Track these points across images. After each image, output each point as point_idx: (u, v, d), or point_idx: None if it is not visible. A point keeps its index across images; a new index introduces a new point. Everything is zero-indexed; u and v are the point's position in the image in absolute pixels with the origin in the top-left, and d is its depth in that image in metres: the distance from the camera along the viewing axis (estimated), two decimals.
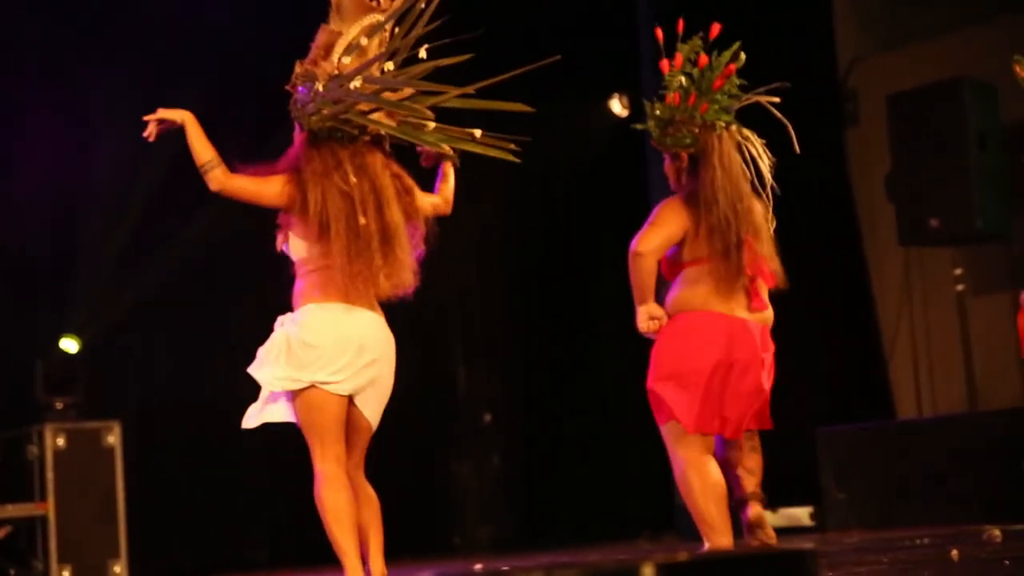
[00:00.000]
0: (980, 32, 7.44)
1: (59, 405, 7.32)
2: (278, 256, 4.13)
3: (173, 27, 7.53)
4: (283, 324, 4.00)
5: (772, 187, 4.60)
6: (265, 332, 4.17)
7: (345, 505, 3.94)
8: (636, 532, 7.52)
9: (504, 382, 8.58)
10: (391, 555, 5.69)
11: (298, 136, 4.07)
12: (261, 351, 4.01)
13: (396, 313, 8.08)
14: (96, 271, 7.61)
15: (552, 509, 8.30)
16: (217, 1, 7.60)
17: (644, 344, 7.53)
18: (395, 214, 4.06)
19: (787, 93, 4.63)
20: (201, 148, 3.95)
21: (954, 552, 4.07)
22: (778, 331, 4.86)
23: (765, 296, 4.51)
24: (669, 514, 7.22)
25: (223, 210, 4.35)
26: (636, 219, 7.47)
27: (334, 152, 4.01)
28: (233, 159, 4.04)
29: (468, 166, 8.82)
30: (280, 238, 4.06)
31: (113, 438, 7.30)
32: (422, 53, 4.10)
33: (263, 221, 4.67)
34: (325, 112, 3.97)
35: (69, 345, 7.51)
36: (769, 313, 4.50)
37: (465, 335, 8.57)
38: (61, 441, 7.17)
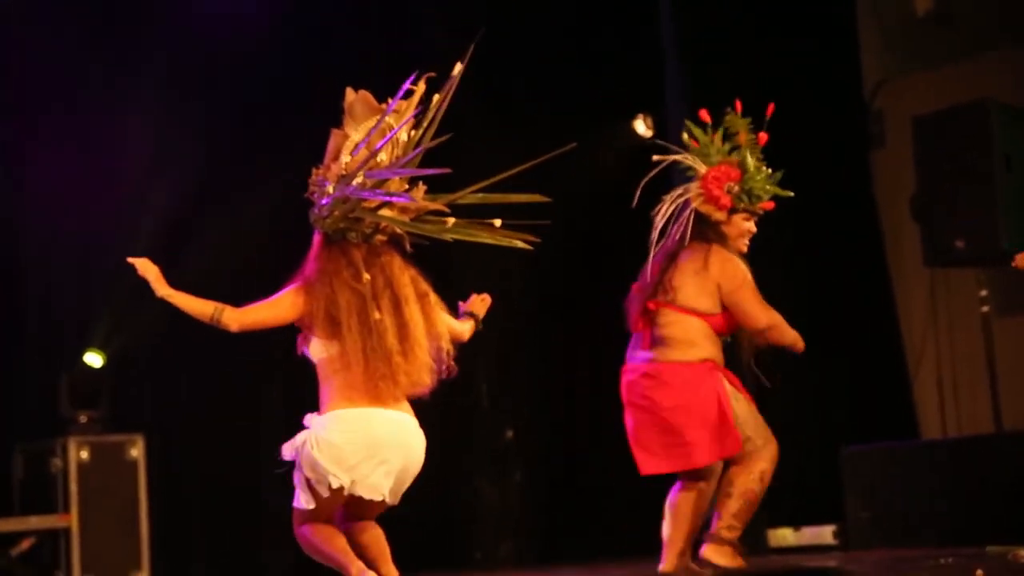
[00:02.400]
0: (1006, 55, 7.44)
1: (83, 419, 7.36)
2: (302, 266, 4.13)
3: (199, 33, 7.58)
4: (311, 426, 4.00)
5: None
6: (287, 344, 4.18)
7: (327, 529, 3.98)
8: (657, 550, 7.49)
9: (526, 399, 8.58)
10: (412, 570, 5.69)
11: (315, 242, 4.11)
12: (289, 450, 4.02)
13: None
14: (120, 285, 7.65)
15: (573, 525, 8.28)
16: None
17: None
18: (413, 312, 4.07)
19: (814, 115, 4.68)
20: (197, 307, 4.05)
21: (979, 572, 4.05)
22: (804, 351, 4.93)
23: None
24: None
25: (246, 223, 4.39)
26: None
27: (346, 251, 4.04)
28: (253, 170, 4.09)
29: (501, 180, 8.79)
30: (300, 340, 4.07)
31: (136, 451, 7.33)
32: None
33: (286, 235, 4.69)
34: (336, 213, 4.01)
35: (93, 359, 7.55)
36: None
37: (487, 352, 8.57)
38: (85, 454, 7.21)
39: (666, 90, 7.34)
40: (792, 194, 5.00)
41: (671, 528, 4.96)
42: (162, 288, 4.06)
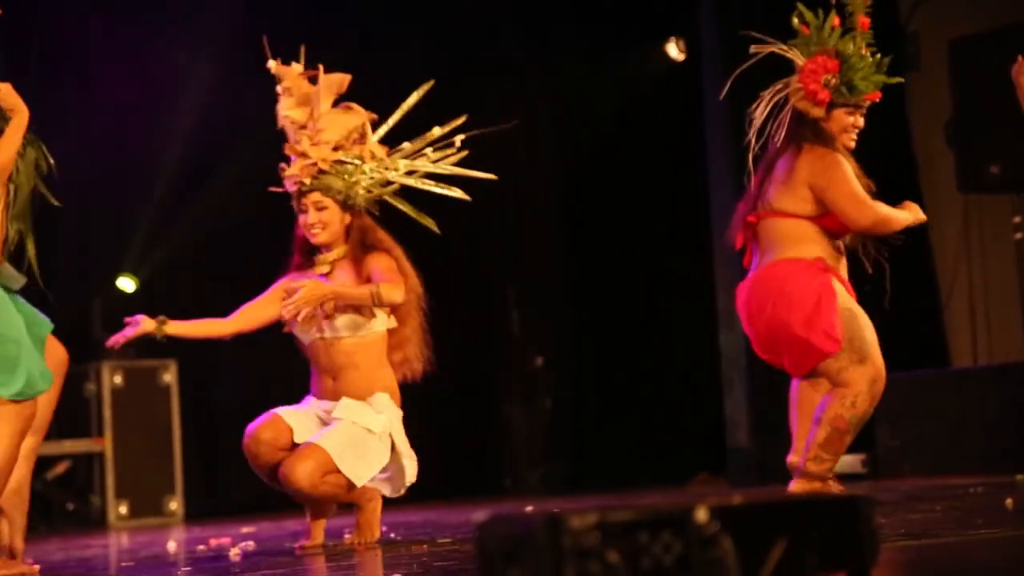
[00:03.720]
0: None
1: None
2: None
3: None
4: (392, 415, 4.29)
5: None
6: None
7: None
8: (687, 476, 7.52)
9: (556, 325, 8.58)
10: (443, 497, 5.73)
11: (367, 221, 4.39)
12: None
13: (451, 256, 8.17)
14: (153, 209, 7.66)
15: (603, 452, 8.32)
16: None
17: (697, 286, 7.52)
18: None
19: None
20: (357, 293, 4.24)
21: (1008, 501, 4.05)
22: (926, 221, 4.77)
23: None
24: (722, 458, 7.21)
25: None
26: (691, 165, 7.46)
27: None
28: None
29: (518, 113, 8.80)
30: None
31: (169, 376, 7.38)
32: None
33: None
34: (373, 192, 4.36)
35: (125, 284, 7.58)
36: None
37: (518, 279, 8.57)
38: (118, 379, 7.26)
39: (699, 12, 7.24)
40: (903, 80, 4.63)
41: (797, 422, 4.54)
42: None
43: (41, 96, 7.57)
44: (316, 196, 4.29)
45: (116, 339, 4.33)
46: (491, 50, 8.20)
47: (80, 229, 7.66)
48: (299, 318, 4.22)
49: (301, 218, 4.33)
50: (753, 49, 4.62)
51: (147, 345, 7.53)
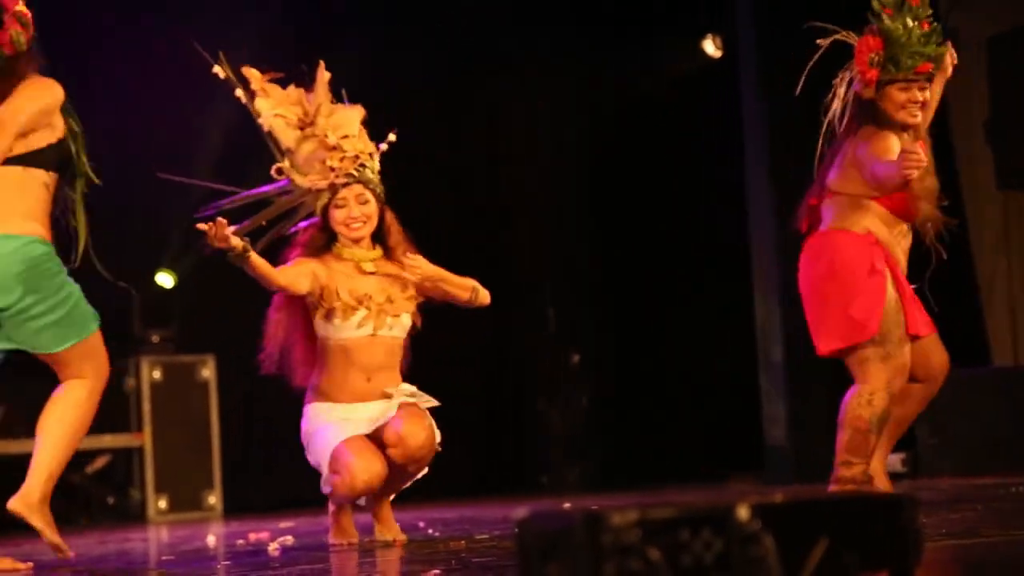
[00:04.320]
0: None
1: (155, 339, 7.46)
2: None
3: None
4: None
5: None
6: None
7: None
8: (724, 474, 7.50)
9: (592, 322, 8.58)
10: (479, 494, 5.74)
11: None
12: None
13: (486, 254, 8.19)
14: (191, 204, 7.69)
15: (639, 450, 8.30)
16: None
17: (734, 283, 7.50)
18: None
19: None
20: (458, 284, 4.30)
21: None
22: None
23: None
24: (758, 456, 7.19)
25: None
26: (729, 161, 7.43)
27: None
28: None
29: (556, 104, 8.76)
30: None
31: (208, 371, 7.42)
32: None
33: None
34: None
35: (164, 280, 7.62)
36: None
37: (554, 276, 8.57)
38: (157, 374, 7.30)
39: (736, 9, 7.22)
40: (948, 49, 4.52)
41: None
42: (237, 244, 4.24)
43: (80, 91, 7.65)
44: (359, 189, 4.25)
45: (213, 232, 4.16)
46: (520, 46, 8.20)
47: (119, 224, 7.70)
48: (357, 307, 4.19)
49: (337, 213, 4.25)
50: (820, 42, 4.53)
51: (186, 340, 7.59)
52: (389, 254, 4.32)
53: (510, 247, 8.29)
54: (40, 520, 3.98)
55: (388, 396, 4.23)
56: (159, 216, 7.68)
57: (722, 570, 2.03)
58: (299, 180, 4.31)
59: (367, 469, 4.08)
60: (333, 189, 4.27)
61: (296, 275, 4.23)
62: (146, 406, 7.25)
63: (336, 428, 4.19)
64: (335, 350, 4.25)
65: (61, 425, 4.02)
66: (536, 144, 8.11)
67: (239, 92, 4.41)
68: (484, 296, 4.29)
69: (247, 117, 4.51)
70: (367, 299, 4.22)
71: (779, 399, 7.00)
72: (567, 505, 5.17)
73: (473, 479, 7.67)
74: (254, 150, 7.87)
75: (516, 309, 8.31)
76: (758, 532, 2.05)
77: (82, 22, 7.70)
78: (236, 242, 4.11)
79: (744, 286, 7.25)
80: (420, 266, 4.19)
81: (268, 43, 6.00)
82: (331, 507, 4.30)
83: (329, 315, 4.22)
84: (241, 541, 4.80)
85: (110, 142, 7.54)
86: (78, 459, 7.25)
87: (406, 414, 4.15)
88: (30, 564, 4.11)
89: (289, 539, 4.58)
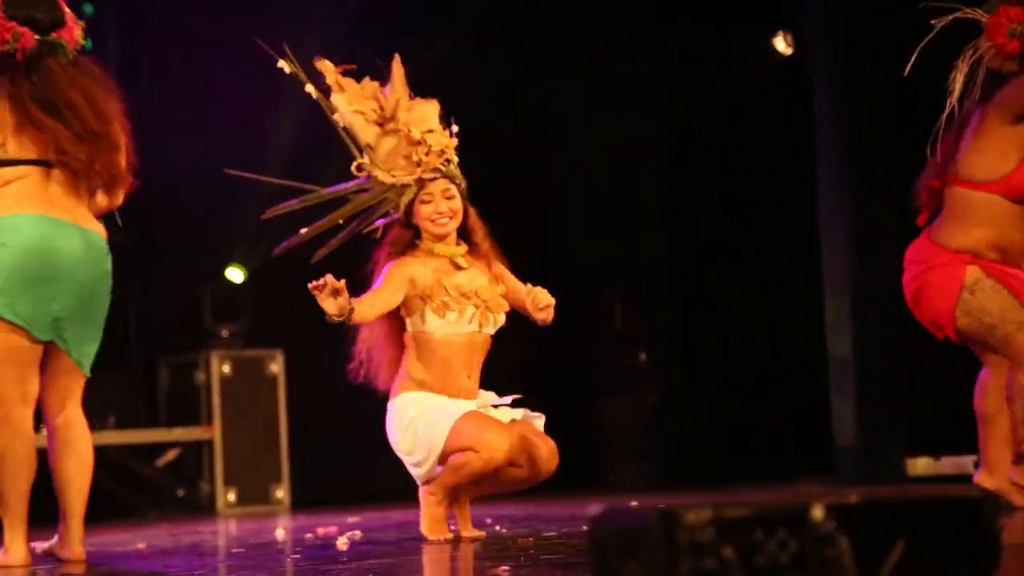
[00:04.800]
0: None
1: (225, 333, 7.51)
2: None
3: None
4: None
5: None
6: None
7: None
8: (792, 474, 7.44)
9: (659, 320, 8.55)
10: (544, 492, 5.69)
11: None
12: None
13: (553, 253, 8.17)
14: (261, 199, 7.74)
15: (706, 448, 8.26)
16: None
17: (803, 282, 7.44)
18: None
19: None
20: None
21: None
22: None
23: None
24: (827, 457, 7.13)
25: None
26: (799, 158, 7.37)
27: None
28: None
29: (626, 104, 8.73)
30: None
31: (276, 366, 7.47)
32: None
33: None
34: None
35: (234, 274, 7.68)
36: None
37: (621, 273, 8.54)
38: (227, 368, 7.36)
39: (807, 6, 7.16)
40: None
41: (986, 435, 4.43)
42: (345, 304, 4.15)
43: (154, 86, 7.75)
44: (444, 184, 4.21)
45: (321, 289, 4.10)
46: (595, 45, 8.18)
47: (191, 220, 7.77)
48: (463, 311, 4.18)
49: (423, 208, 4.21)
50: (934, 21, 4.40)
51: (254, 335, 7.64)
52: (475, 250, 4.28)
53: (578, 245, 8.26)
54: None
55: (477, 397, 4.21)
56: (229, 212, 7.74)
57: (797, 571, 2.02)
58: (381, 176, 4.26)
59: (505, 439, 4.02)
60: (420, 184, 4.21)
61: (391, 294, 4.17)
62: (216, 400, 7.30)
63: (447, 410, 4.10)
64: (437, 346, 4.18)
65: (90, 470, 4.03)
66: (606, 143, 8.07)
67: (309, 88, 4.37)
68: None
69: (317, 113, 4.49)
70: (473, 295, 4.19)
71: (848, 399, 6.94)
72: (634, 503, 5.15)
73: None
74: (324, 147, 7.92)
75: (583, 307, 8.29)
76: (833, 533, 2.04)
77: (151, 20, 7.77)
78: (343, 306, 4.03)
79: (814, 285, 7.19)
80: (545, 301, 4.13)
81: (333, 38, 6.01)
82: (427, 499, 4.19)
83: (437, 311, 4.16)
84: (309, 535, 4.83)
85: (180, 139, 7.63)
86: (149, 452, 7.34)
87: (537, 435, 4.14)
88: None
89: (357, 534, 4.60)
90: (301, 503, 7.36)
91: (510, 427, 4.10)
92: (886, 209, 6.84)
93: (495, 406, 4.21)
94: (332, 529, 4.89)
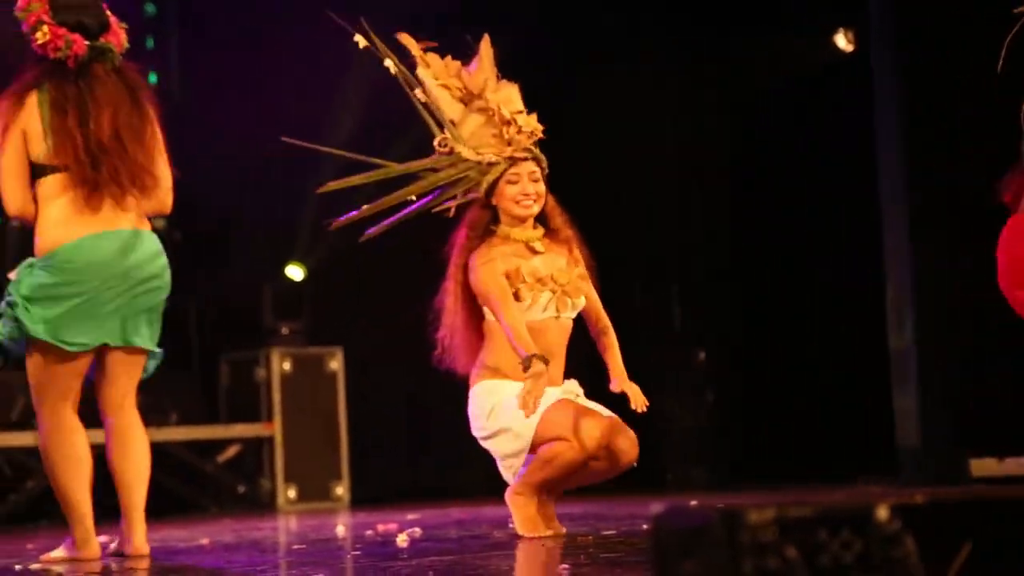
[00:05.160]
0: None
1: (285, 330, 7.56)
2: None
3: None
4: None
5: None
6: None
7: None
8: (852, 474, 7.38)
9: (719, 319, 8.50)
10: (603, 491, 5.70)
11: None
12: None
13: (612, 252, 8.10)
14: (319, 199, 7.78)
15: (765, 448, 8.21)
16: None
17: (862, 282, 7.37)
18: None
19: None
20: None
21: None
22: None
23: None
24: (889, 457, 7.06)
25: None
26: (861, 157, 7.31)
27: None
28: None
29: (685, 101, 8.68)
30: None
31: (336, 364, 7.50)
32: None
33: None
34: None
35: (294, 272, 7.72)
36: None
37: (681, 273, 8.51)
38: (287, 365, 7.40)
39: (870, 3, 7.10)
40: None
41: None
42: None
43: (215, 85, 7.80)
44: (531, 166, 4.14)
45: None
46: (655, 38, 8.14)
47: (251, 217, 7.83)
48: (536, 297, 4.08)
49: (509, 188, 4.12)
50: (1017, 11, 4.32)
51: (314, 332, 7.68)
52: (553, 236, 4.19)
53: (636, 244, 8.24)
54: None
55: (561, 384, 4.13)
56: (290, 210, 7.79)
57: (862, 572, 2.00)
58: (466, 153, 4.15)
59: (597, 426, 3.94)
60: (512, 162, 4.13)
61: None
62: (276, 397, 7.35)
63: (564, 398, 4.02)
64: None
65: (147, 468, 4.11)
66: (666, 140, 8.05)
67: (389, 62, 4.23)
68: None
69: (381, 102, 4.41)
70: (550, 280, 4.11)
71: (911, 399, 6.87)
72: (694, 503, 5.13)
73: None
74: (386, 137, 7.96)
75: (643, 306, 8.27)
76: (899, 533, 2.01)
77: (212, 17, 7.82)
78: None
79: (875, 282, 7.13)
80: (638, 396, 4.15)
81: (407, 18, 5.98)
82: (515, 500, 4.11)
83: (518, 294, 4.08)
84: (369, 532, 4.84)
85: (240, 137, 7.69)
86: (210, 449, 7.40)
87: (616, 426, 4.04)
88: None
89: (417, 531, 4.61)
90: (360, 500, 7.39)
91: (601, 415, 4.01)
92: (947, 205, 6.78)
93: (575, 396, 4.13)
94: (392, 526, 4.91)
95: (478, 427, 4.17)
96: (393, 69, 4.22)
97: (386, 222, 4.29)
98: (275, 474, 7.27)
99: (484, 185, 4.15)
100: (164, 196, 4.14)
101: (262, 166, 7.73)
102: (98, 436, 4.16)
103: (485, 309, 4.15)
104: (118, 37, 4.07)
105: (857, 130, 7.36)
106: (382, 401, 7.93)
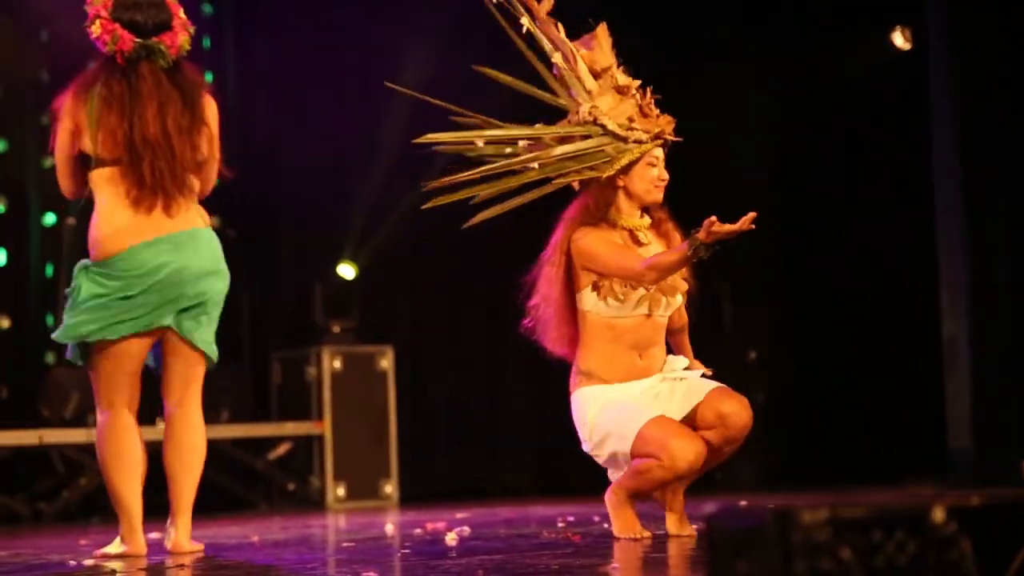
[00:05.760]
0: None
1: (336, 329, 7.58)
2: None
3: None
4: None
5: None
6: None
7: None
8: (903, 475, 7.32)
9: (769, 320, 8.46)
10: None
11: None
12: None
13: None
14: (371, 199, 7.80)
15: (816, 448, 8.16)
16: None
17: (918, 282, 7.31)
18: None
19: None
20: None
21: None
22: None
23: None
24: (939, 459, 7.00)
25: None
26: (917, 158, 7.25)
27: None
28: None
29: (740, 100, 8.64)
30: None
31: (386, 362, 7.52)
32: None
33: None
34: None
35: (346, 271, 7.74)
36: None
37: (730, 274, 8.47)
38: (337, 363, 7.42)
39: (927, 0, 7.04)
40: None
41: None
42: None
43: (271, 85, 7.83)
44: (662, 153, 4.00)
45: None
46: (708, 40, 8.11)
47: (302, 216, 7.86)
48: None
49: (649, 171, 3.97)
50: None
51: (365, 331, 7.70)
52: (656, 227, 4.09)
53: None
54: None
55: (657, 372, 4.02)
56: (341, 208, 7.81)
57: (917, 573, 1.98)
58: (612, 126, 3.93)
59: (689, 449, 3.80)
60: (662, 143, 3.98)
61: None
62: (326, 395, 7.37)
63: (635, 409, 3.89)
64: (603, 328, 3.98)
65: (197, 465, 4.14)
66: (720, 139, 8.01)
67: (525, 20, 3.97)
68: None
69: (427, 104, 4.28)
70: None
71: (965, 401, 6.80)
72: (743, 503, 5.10)
73: None
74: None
75: (691, 307, 8.23)
76: (955, 535, 1.99)
77: (269, 17, 7.85)
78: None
79: (929, 285, 7.07)
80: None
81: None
82: (611, 499, 3.99)
83: (602, 295, 3.95)
84: (419, 530, 4.85)
85: (294, 136, 7.72)
86: (261, 446, 7.44)
87: (722, 392, 3.94)
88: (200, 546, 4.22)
89: (466, 529, 4.61)
90: (410, 498, 7.41)
91: (695, 435, 3.87)
92: (1002, 204, 6.71)
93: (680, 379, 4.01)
94: (441, 525, 4.91)
95: (583, 437, 4.03)
96: (529, 27, 3.99)
97: (461, 176, 3.95)
98: (325, 472, 7.30)
99: (622, 163, 3.96)
100: (205, 189, 4.18)
101: (315, 165, 7.76)
102: (159, 434, 4.20)
103: (579, 297, 4.00)
104: (175, 39, 4.10)
105: (909, 125, 7.30)
106: (431, 400, 7.95)
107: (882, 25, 7.77)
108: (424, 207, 3.94)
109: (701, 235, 3.79)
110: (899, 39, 7.72)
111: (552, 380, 8.21)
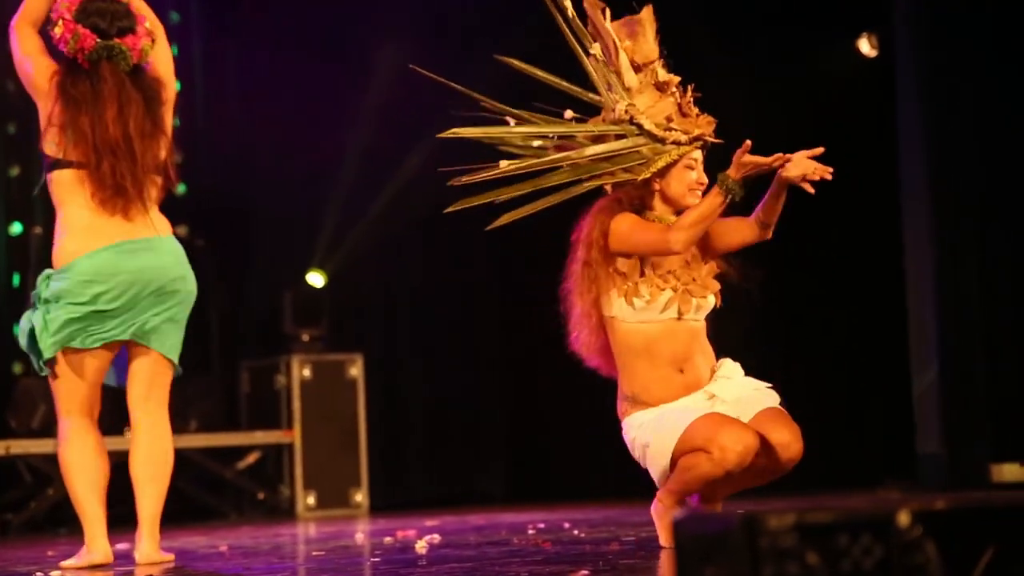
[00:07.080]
0: None
1: (305, 337, 7.56)
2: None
3: None
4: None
5: None
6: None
7: None
8: (873, 480, 7.34)
9: (737, 325, 8.45)
10: (623, 495, 5.70)
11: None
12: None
13: None
14: (341, 207, 7.79)
15: (841, 452, 8.14)
16: None
17: (888, 287, 7.33)
18: None
19: None
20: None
21: None
22: None
23: None
24: (909, 463, 7.03)
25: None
26: (884, 166, 7.28)
27: None
28: None
29: (704, 105, 8.64)
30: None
31: (356, 370, 7.50)
32: None
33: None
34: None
35: (315, 279, 7.73)
36: None
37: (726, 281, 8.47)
38: (307, 372, 7.40)
39: (895, 7, 7.07)
40: None
41: None
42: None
43: (239, 95, 7.80)
44: (700, 155, 3.78)
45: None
46: (680, 47, 8.12)
47: (271, 224, 7.84)
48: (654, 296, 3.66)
49: (687, 173, 3.75)
50: None
51: (335, 339, 7.68)
52: None
53: None
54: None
55: (706, 384, 3.75)
56: (311, 215, 7.80)
57: None
58: (648, 126, 3.71)
59: (739, 440, 3.51)
60: (701, 145, 3.78)
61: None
62: (296, 404, 7.35)
63: (680, 413, 3.63)
64: (632, 338, 3.71)
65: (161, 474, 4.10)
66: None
67: (568, 2, 3.73)
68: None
69: (395, 113, 4.28)
70: (672, 277, 3.74)
71: (932, 404, 6.84)
72: (718, 508, 5.10)
73: (617, 481, 7.64)
74: (407, 143, 7.88)
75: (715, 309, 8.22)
76: (920, 539, 2.00)
77: (234, 25, 7.83)
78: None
79: (899, 290, 7.10)
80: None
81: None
82: (657, 507, 3.74)
83: (627, 295, 3.70)
84: (389, 539, 4.84)
85: (262, 145, 7.70)
86: (230, 455, 7.41)
87: (774, 418, 3.67)
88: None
89: (436, 537, 4.60)
90: (380, 507, 7.39)
91: (746, 427, 3.59)
92: (970, 207, 6.75)
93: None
94: (411, 533, 4.90)
95: (636, 457, 3.79)
96: (571, 12, 3.72)
97: (526, 208, 3.71)
98: (294, 481, 7.28)
99: (658, 165, 3.74)
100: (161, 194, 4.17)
101: (284, 173, 7.74)
102: (127, 444, 4.17)
103: (604, 301, 3.73)
104: (137, 41, 4.09)
105: (883, 137, 7.32)
106: (402, 408, 7.93)
107: (849, 32, 7.80)
108: (447, 211, 3.70)
109: (732, 171, 3.58)
110: (865, 46, 7.75)
111: (524, 387, 8.23)
